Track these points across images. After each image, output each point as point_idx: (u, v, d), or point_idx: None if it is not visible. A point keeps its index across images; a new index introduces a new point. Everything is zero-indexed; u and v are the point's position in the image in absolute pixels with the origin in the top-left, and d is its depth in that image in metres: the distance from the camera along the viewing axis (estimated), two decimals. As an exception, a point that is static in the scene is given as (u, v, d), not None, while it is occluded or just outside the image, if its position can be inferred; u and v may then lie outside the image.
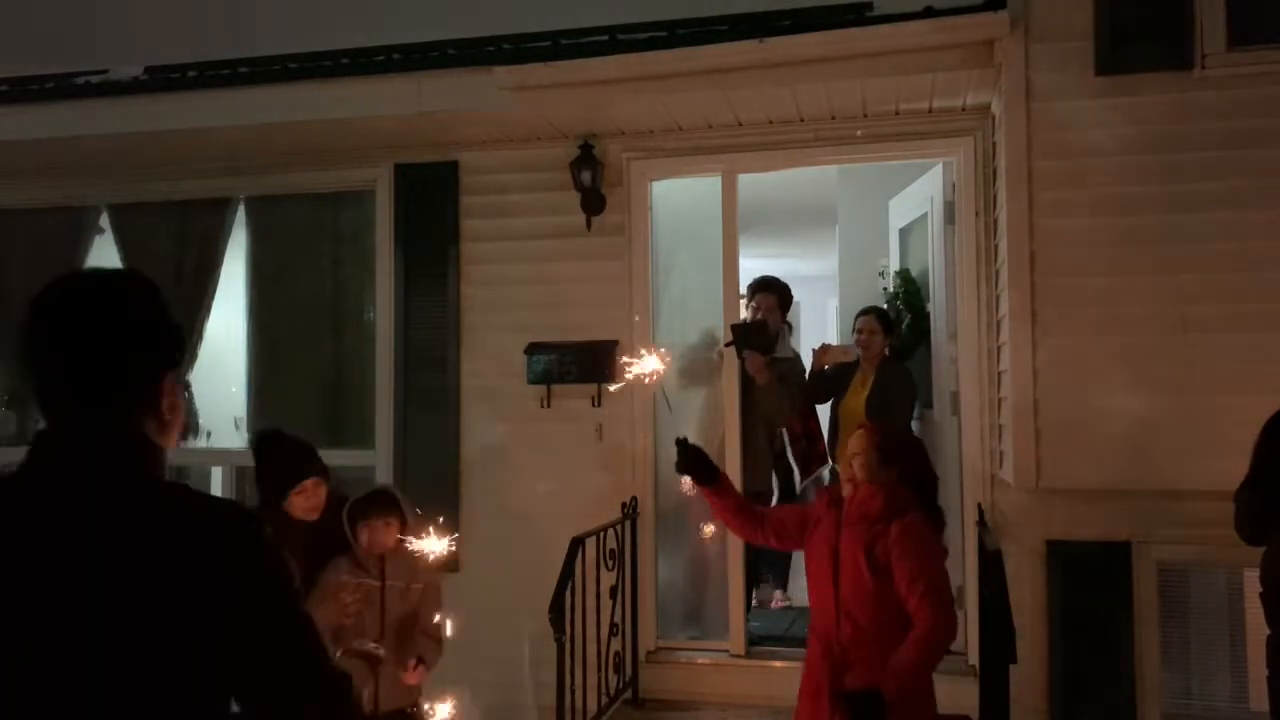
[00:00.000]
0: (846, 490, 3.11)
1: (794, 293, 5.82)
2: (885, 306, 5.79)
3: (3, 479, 1.30)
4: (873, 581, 2.94)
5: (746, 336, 4.94)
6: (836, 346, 5.27)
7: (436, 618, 3.56)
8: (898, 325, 5.66)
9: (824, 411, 5.48)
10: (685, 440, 3.40)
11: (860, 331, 5.15)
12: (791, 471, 5.50)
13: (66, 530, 1.21)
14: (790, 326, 6.41)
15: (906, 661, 2.84)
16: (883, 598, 2.94)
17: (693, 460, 3.35)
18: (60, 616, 1.18)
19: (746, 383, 4.91)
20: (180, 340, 1.38)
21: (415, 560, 3.44)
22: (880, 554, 2.95)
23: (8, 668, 1.18)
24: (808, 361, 5.45)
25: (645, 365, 3.52)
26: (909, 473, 3.10)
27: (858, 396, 5.13)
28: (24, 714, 1.18)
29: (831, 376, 5.25)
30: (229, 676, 1.23)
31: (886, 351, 5.20)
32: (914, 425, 5.22)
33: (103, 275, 1.37)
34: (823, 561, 3.08)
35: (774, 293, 5.22)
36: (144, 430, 1.31)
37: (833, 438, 5.31)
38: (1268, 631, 3.13)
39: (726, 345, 4.88)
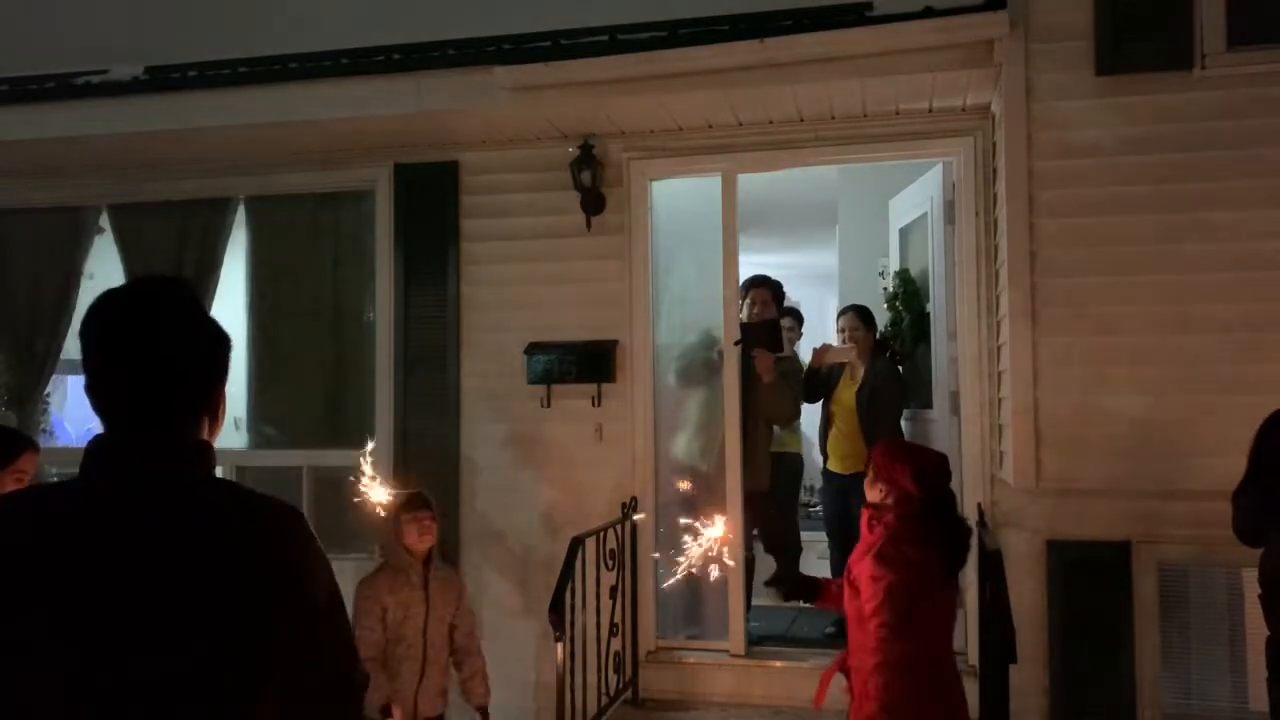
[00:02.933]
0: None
1: (794, 293, 5.86)
2: (885, 306, 5.83)
3: (68, 486, 1.31)
4: (855, 608, 2.97)
5: (758, 335, 4.97)
6: (837, 347, 5.29)
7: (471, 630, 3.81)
8: (897, 324, 5.70)
9: (815, 408, 5.53)
10: (781, 579, 3.49)
11: (844, 330, 5.26)
12: None
13: (140, 531, 1.23)
14: (801, 317, 6.47)
15: (876, 705, 2.82)
16: (864, 622, 2.93)
17: (798, 587, 3.40)
18: (135, 612, 1.20)
19: (746, 382, 4.91)
20: (230, 346, 1.42)
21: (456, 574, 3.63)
22: (855, 576, 2.99)
23: (82, 664, 1.19)
24: (805, 360, 5.49)
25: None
26: (905, 491, 2.99)
27: (848, 391, 5.22)
28: (94, 708, 1.18)
29: (825, 375, 5.30)
30: (273, 674, 1.25)
31: (874, 345, 5.26)
32: (903, 425, 5.25)
33: (163, 284, 1.40)
34: (847, 587, 3.08)
35: (768, 288, 5.24)
36: (201, 433, 1.36)
37: (824, 432, 5.35)
38: (1267, 632, 3.13)
39: (736, 344, 4.90)
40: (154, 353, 1.31)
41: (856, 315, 5.31)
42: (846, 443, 5.18)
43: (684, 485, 4.90)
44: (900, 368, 5.35)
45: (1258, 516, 3.12)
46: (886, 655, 2.82)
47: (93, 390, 1.32)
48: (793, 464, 6.36)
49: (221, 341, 1.40)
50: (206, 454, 1.35)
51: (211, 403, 1.37)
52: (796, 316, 6.28)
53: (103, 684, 1.18)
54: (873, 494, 3.07)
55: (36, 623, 1.19)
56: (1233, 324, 3.83)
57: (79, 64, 5.51)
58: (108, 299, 1.34)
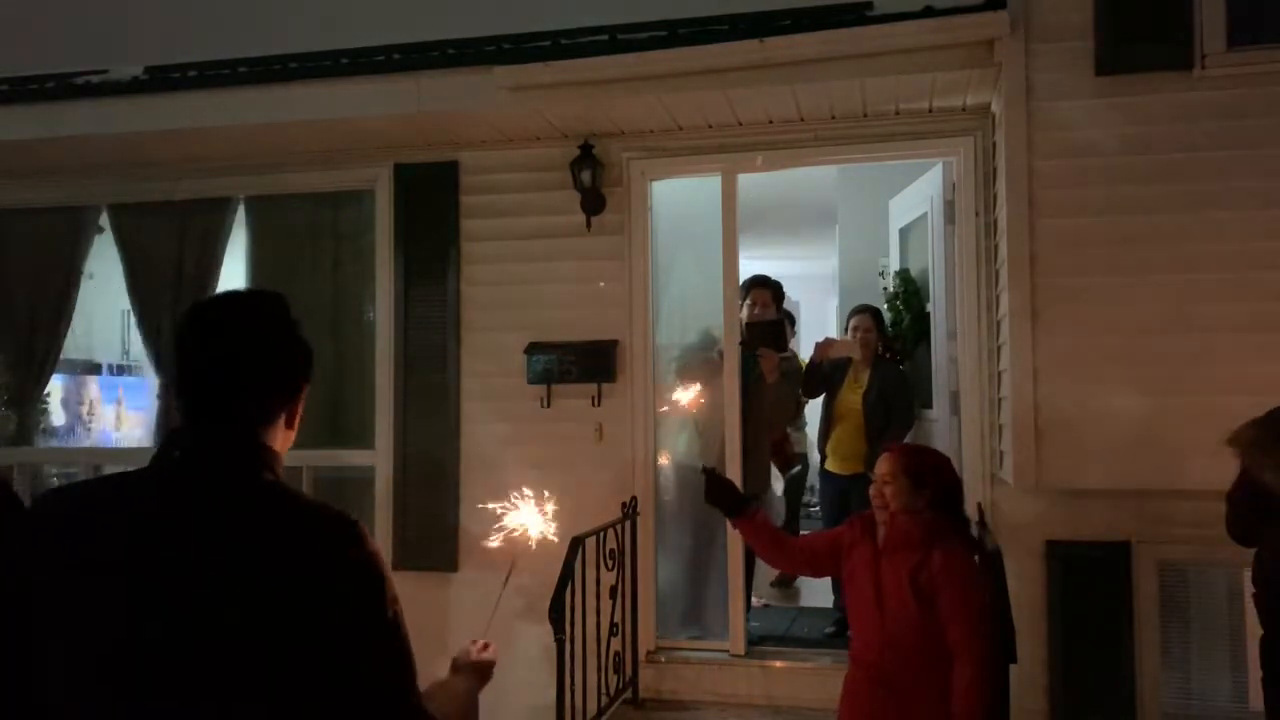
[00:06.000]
0: (881, 517, 3.04)
1: (794, 293, 5.88)
2: (885, 306, 5.83)
3: (141, 475, 1.35)
4: (918, 610, 2.88)
5: (763, 334, 4.97)
6: (841, 341, 5.29)
7: None
8: (897, 325, 5.70)
9: (814, 406, 5.54)
10: (713, 470, 3.29)
11: (856, 329, 5.24)
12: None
13: (205, 524, 1.26)
14: (794, 319, 6.51)
15: (966, 712, 2.79)
16: (927, 626, 2.88)
17: (722, 491, 3.25)
18: (189, 605, 1.21)
19: (746, 382, 4.91)
20: (311, 358, 1.47)
21: None
22: (925, 583, 2.89)
23: (138, 652, 1.21)
24: (804, 358, 5.50)
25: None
26: (939, 493, 3.01)
27: (853, 393, 5.20)
28: (146, 693, 1.20)
29: (827, 372, 5.29)
30: (317, 683, 1.23)
31: (880, 349, 5.27)
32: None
33: (259, 296, 1.47)
34: (866, 592, 3.01)
35: (768, 288, 5.24)
36: (272, 438, 1.39)
37: (825, 432, 5.36)
38: (1260, 632, 3.13)
39: (741, 343, 4.90)
40: (229, 357, 1.37)
41: (871, 316, 5.31)
42: (848, 444, 5.18)
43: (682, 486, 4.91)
44: (903, 369, 5.36)
45: (1251, 516, 3.12)
46: (980, 654, 2.82)
47: (176, 390, 1.39)
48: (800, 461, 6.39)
49: (302, 352, 1.44)
50: (270, 455, 1.38)
51: (289, 409, 1.42)
52: (789, 318, 6.29)
53: (145, 649, 1.20)
54: (900, 497, 3.00)
55: (90, 593, 1.23)
56: (1233, 324, 3.83)
57: (79, 64, 5.51)
58: (202, 305, 1.43)
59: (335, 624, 1.24)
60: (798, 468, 5.56)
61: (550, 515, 2.19)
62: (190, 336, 1.38)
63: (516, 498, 2.18)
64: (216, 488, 1.30)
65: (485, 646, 1.55)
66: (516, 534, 2.10)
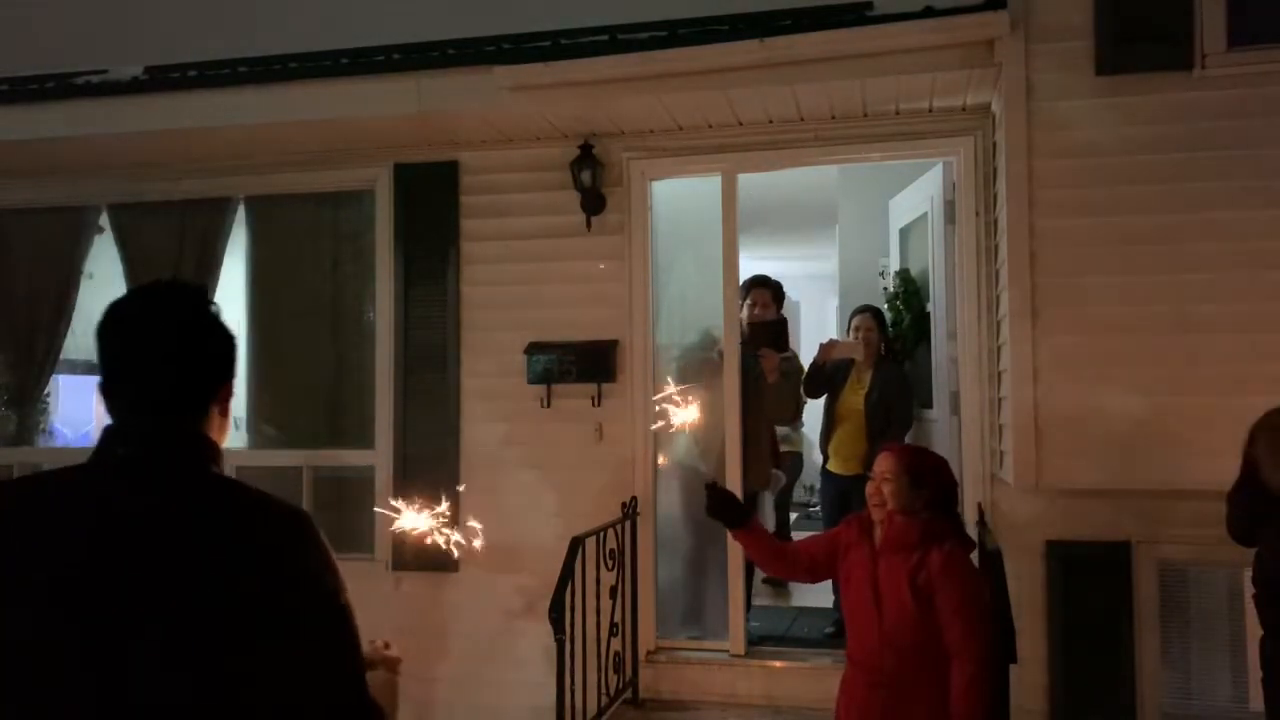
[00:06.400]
0: (878, 515, 3.04)
1: (794, 293, 5.87)
2: (885, 306, 5.83)
3: (73, 471, 1.35)
4: (916, 610, 2.87)
5: (765, 334, 4.98)
6: (844, 342, 5.28)
7: None
8: (897, 325, 5.71)
9: (814, 407, 5.53)
10: (714, 484, 3.31)
11: (858, 329, 5.24)
12: None
13: (146, 518, 1.26)
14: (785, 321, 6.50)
15: (964, 710, 2.79)
16: (925, 626, 2.87)
17: (723, 504, 3.25)
18: (133, 600, 1.21)
19: (746, 382, 4.91)
20: (235, 346, 1.46)
21: None
22: (923, 583, 2.88)
23: (82, 650, 1.21)
24: (804, 358, 5.50)
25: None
26: (937, 493, 3.01)
27: (855, 394, 5.20)
28: (91, 693, 1.20)
29: (829, 373, 5.29)
30: (271, 686, 1.23)
31: (882, 350, 5.27)
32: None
33: (172, 285, 1.44)
34: (863, 591, 3.00)
35: (768, 288, 5.24)
36: (208, 430, 1.40)
37: (827, 433, 5.36)
38: (1260, 632, 3.13)
39: (743, 345, 4.90)
40: (162, 349, 1.37)
41: (873, 316, 5.32)
42: (851, 445, 5.17)
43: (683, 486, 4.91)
44: (904, 369, 5.36)
45: (1250, 516, 3.12)
46: (979, 653, 2.83)
47: (105, 387, 1.38)
48: (793, 463, 6.38)
49: (227, 340, 1.44)
50: (212, 447, 1.39)
51: (220, 399, 1.42)
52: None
53: (97, 650, 1.20)
54: (898, 496, 3.00)
55: (36, 592, 1.23)
56: (1233, 324, 3.83)
57: (79, 64, 5.51)
58: (122, 300, 1.41)
59: (287, 613, 1.25)
60: (783, 480, 5.55)
61: (439, 520, 2.29)
62: (113, 332, 1.38)
63: (402, 504, 2.28)
64: (168, 483, 1.30)
65: (387, 645, 1.57)
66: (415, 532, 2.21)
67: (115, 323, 1.38)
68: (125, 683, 1.19)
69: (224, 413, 1.43)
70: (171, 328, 1.38)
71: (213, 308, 1.43)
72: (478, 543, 2.26)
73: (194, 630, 1.21)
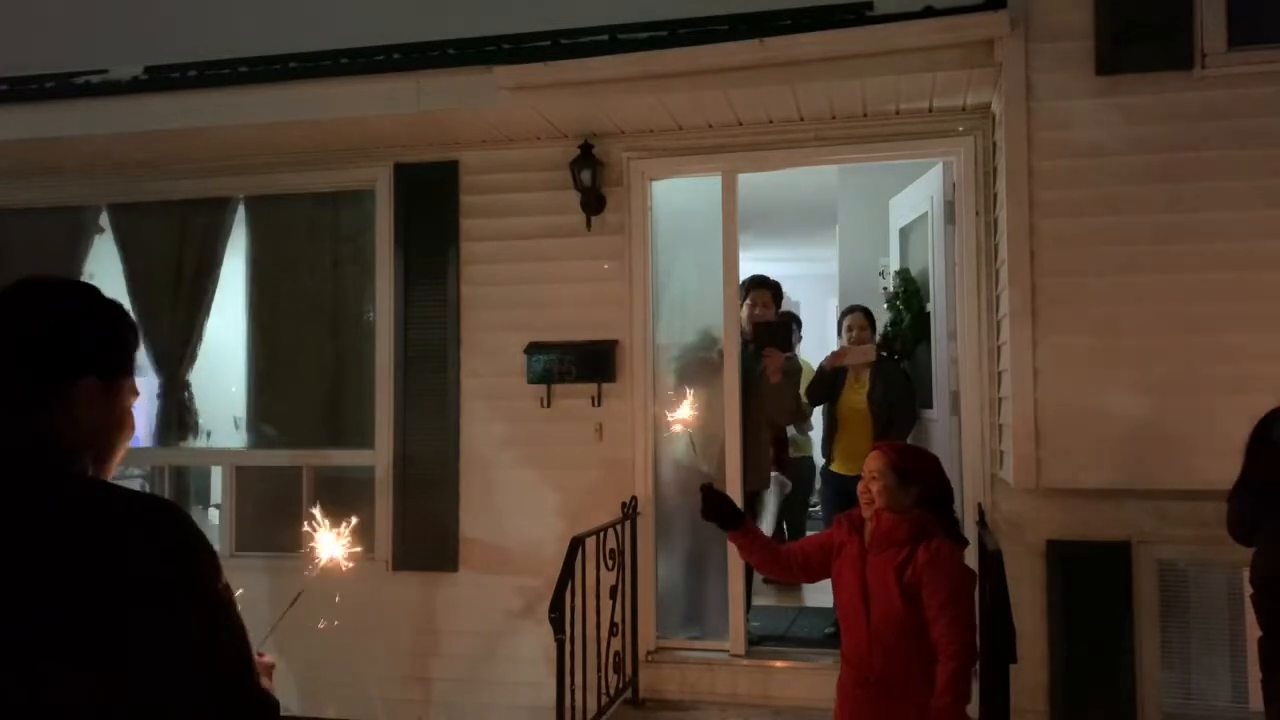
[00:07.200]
0: (867, 513, 3.04)
1: (794, 293, 5.88)
2: (885, 306, 5.84)
3: None
4: (904, 607, 2.88)
5: (771, 334, 4.98)
6: (855, 349, 5.28)
7: None
8: (898, 324, 5.71)
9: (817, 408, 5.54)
10: (709, 486, 3.30)
11: (851, 329, 5.27)
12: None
13: (18, 523, 1.21)
14: (800, 322, 6.51)
15: (947, 705, 2.78)
16: (913, 622, 2.88)
17: (717, 507, 3.25)
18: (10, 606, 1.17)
19: (746, 382, 4.91)
20: (105, 346, 1.37)
21: None
22: (909, 579, 2.89)
23: None
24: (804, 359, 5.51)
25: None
26: (927, 491, 3.01)
27: (856, 394, 5.21)
28: None
29: (831, 376, 5.30)
30: (145, 687, 1.18)
31: (877, 346, 5.29)
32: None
33: (54, 281, 1.42)
34: (853, 590, 3.01)
35: (768, 289, 5.25)
36: (57, 431, 1.30)
37: (829, 436, 5.36)
38: (1259, 632, 3.13)
39: (747, 344, 4.89)
40: (32, 341, 1.33)
41: (863, 314, 5.36)
42: (855, 444, 5.17)
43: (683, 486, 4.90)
44: (904, 368, 5.36)
45: (1250, 516, 3.12)
46: (966, 647, 2.83)
47: None
48: (806, 468, 6.36)
49: (110, 338, 1.37)
50: (60, 447, 1.30)
51: (65, 402, 1.31)
52: (796, 320, 6.30)
53: None
54: (886, 494, 3.01)
55: None
56: (1233, 324, 3.83)
57: (79, 64, 5.50)
58: None
59: (165, 607, 1.19)
60: (789, 486, 5.53)
61: (346, 540, 2.18)
62: None
63: (316, 525, 2.18)
64: (26, 485, 1.25)
65: (260, 655, 1.54)
66: (323, 563, 2.09)
67: None
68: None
69: (82, 413, 1.31)
70: (40, 323, 1.35)
71: (93, 303, 1.36)
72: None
73: (34, 637, 1.15)
